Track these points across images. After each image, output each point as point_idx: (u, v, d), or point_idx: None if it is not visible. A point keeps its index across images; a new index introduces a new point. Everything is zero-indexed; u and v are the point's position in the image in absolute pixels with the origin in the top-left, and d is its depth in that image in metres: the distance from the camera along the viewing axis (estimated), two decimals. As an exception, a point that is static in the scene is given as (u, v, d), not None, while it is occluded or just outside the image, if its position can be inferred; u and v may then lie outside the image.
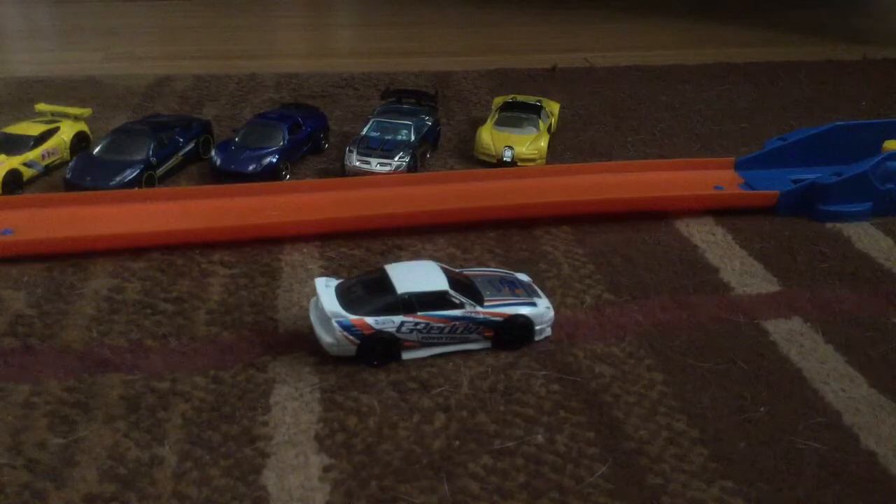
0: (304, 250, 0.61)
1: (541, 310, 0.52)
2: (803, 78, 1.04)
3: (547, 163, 0.74)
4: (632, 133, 0.84)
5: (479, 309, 0.50)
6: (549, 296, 0.56)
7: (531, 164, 0.72)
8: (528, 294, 0.53)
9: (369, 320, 0.48)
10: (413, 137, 0.75)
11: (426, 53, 1.14)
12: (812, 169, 0.73)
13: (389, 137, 0.74)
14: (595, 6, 1.42)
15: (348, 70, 1.01)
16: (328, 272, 0.59)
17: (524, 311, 0.51)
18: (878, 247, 0.64)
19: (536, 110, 0.77)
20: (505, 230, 0.64)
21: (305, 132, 0.79)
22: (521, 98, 0.81)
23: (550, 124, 0.79)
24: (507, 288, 0.53)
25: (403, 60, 1.08)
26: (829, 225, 0.66)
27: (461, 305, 0.50)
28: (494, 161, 0.73)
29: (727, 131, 0.86)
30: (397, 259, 0.60)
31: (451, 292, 0.50)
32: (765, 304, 0.57)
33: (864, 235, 0.65)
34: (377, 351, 0.48)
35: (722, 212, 0.67)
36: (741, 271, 0.60)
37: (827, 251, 0.63)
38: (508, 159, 0.72)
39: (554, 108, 0.82)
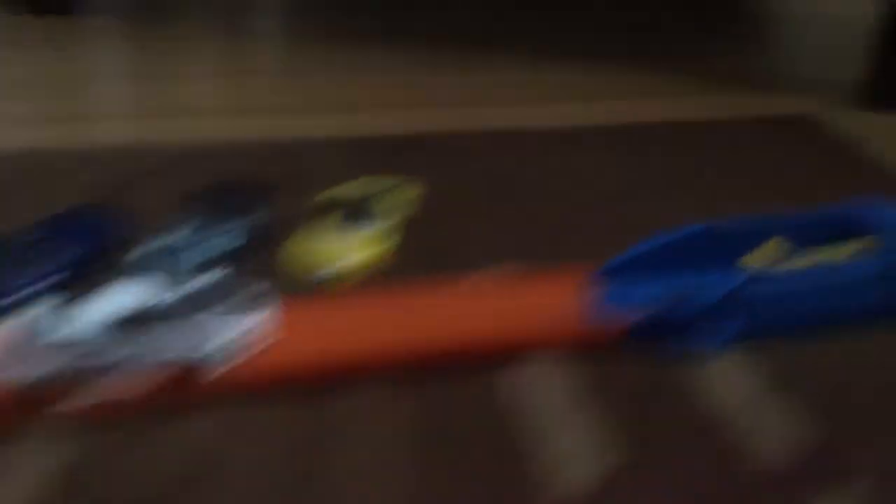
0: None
1: None
2: (710, 141, 0.91)
3: (382, 276, 0.62)
4: (495, 222, 0.72)
5: None
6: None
7: (352, 281, 0.61)
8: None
9: None
10: (229, 247, 0.63)
11: (259, 111, 0.97)
12: (683, 276, 0.63)
13: (198, 250, 0.62)
14: (489, 50, 1.25)
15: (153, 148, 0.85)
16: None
17: None
18: (739, 396, 0.53)
19: (367, 210, 0.66)
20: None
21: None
22: (351, 190, 0.68)
23: (393, 222, 0.68)
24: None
25: (233, 123, 0.93)
26: (691, 364, 0.55)
27: None
28: (308, 278, 0.62)
29: (613, 217, 0.74)
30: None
31: None
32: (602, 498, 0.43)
33: (726, 379, 0.53)
34: None
35: (569, 345, 0.55)
36: (571, 450, 0.46)
37: (683, 400, 0.52)
38: (325, 277, 0.61)
39: (407, 195, 0.70)
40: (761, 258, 0.58)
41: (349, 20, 1.36)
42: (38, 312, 0.45)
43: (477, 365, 0.53)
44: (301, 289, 0.60)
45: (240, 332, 0.48)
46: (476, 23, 1.36)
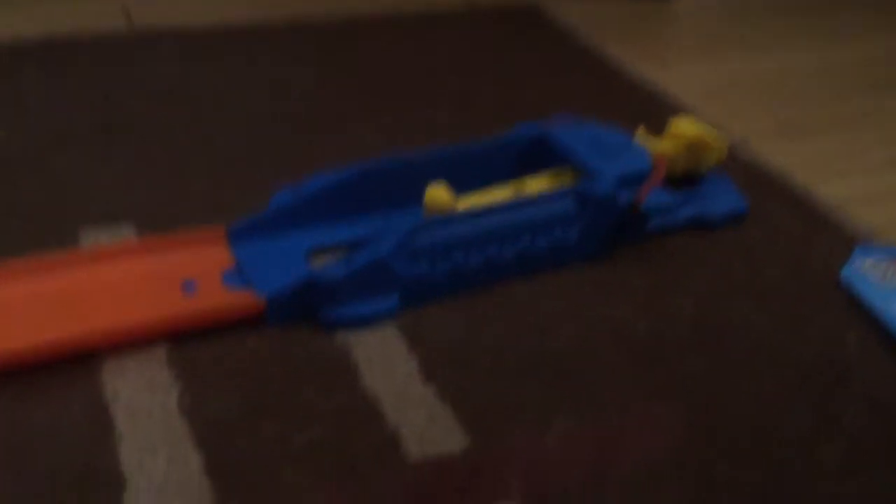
0: None
1: None
2: (390, 42, 0.77)
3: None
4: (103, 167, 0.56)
5: None
6: None
7: None
8: None
9: None
10: None
11: None
12: (343, 226, 0.52)
13: None
14: None
15: None
16: None
17: None
18: (394, 378, 0.42)
19: None
20: None
21: None
22: None
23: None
24: None
25: None
26: (339, 340, 0.43)
27: None
28: None
29: (270, 150, 0.59)
30: None
31: None
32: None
33: (380, 358, 0.42)
34: None
35: (189, 335, 0.42)
36: (160, 487, 0.34)
37: (322, 400, 0.40)
38: None
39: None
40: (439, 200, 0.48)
41: None
42: None
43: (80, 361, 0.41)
44: None
45: None
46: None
